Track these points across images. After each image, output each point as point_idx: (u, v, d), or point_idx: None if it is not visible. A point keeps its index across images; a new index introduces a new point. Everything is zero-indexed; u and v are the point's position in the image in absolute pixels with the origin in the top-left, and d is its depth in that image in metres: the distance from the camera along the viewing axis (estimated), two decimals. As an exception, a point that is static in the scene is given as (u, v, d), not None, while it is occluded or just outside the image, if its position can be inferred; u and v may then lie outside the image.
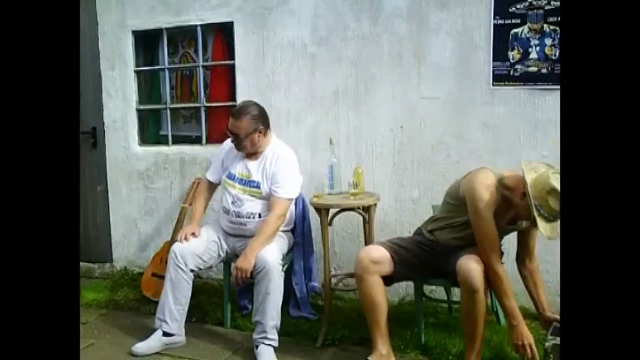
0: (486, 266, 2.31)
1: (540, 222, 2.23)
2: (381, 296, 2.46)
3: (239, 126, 2.82)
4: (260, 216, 2.87)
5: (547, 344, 2.26)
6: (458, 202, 2.47)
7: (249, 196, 2.88)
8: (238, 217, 2.89)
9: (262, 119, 2.88)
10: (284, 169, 2.85)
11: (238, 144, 2.87)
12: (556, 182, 2.18)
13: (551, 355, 2.26)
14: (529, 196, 2.23)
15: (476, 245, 2.39)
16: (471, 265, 2.29)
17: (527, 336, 2.32)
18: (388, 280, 2.51)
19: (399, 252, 2.52)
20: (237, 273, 2.71)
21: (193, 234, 2.90)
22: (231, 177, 2.94)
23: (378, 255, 2.47)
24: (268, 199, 2.85)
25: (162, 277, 2.94)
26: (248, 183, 2.89)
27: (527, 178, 2.26)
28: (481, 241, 2.35)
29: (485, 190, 2.33)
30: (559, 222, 2.20)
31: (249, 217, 2.88)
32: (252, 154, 2.92)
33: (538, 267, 2.61)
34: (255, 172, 2.88)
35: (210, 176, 3.10)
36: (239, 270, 2.71)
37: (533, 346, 2.31)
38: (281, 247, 2.87)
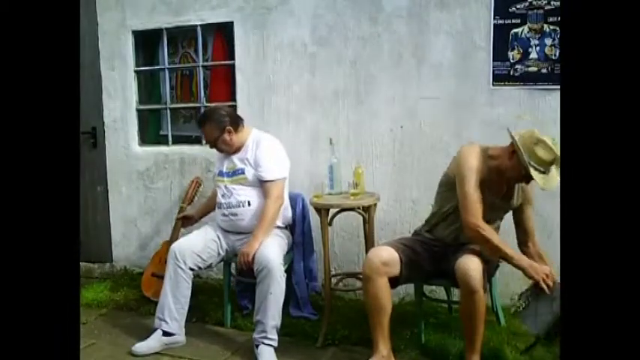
0: (472, 229, 2.34)
1: (533, 172, 2.27)
2: (387, 299, 2.45)
3: (205, 132, 2.97)
4: (249, 204, 2.89)
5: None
6: (448, 186, 2.52)
7: (236, 185, 2.92)
8: (229, 207, 2.92)
9: (229, 118, 2.94)
10: (266, 152, 2.91)
11: (215, 148, 2.98)
12: (540, 135, 2.30)
13: (527, 300, 2.29)
14: (518, 148, 2.29)
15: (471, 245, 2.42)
16: (469, 265, 2.29)
17: (542, 268, 2.31)
18: (393, 281, 2.50)
19: (406, 253, 2.50)
20: (240, 258, 2.77)
21: (186, 217, 3.29)
22: (220, 174, 3.00)
23: (388, 256, 2.45)
24: (256, 185, 2.90)
25: (162, 277, 2.94)
26: (234, 173, 2.95)
27: (514, 135, 2.33)
28: (465, 205, 2.36)
29: (471, 156, 2.40)
30: (552, 173, 2.30)
31: (239, 206, 2.90)
32: (236, 150, 2.97)
33: (541, 249, 2.58)
34: (239, 162, 2.95)
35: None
36: (242, 255, 2.76)
37: (552, 273, 2.29)
38: (282, 247, 2.88)
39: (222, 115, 2.93)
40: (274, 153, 2.95)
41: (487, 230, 2.35)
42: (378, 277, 2.42)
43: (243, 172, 2.92)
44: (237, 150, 2.97)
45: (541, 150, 2.28)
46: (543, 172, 2.29)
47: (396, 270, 2.46)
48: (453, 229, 2.53)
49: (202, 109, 3.73)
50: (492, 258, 2.44)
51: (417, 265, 2.52)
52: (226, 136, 2.91)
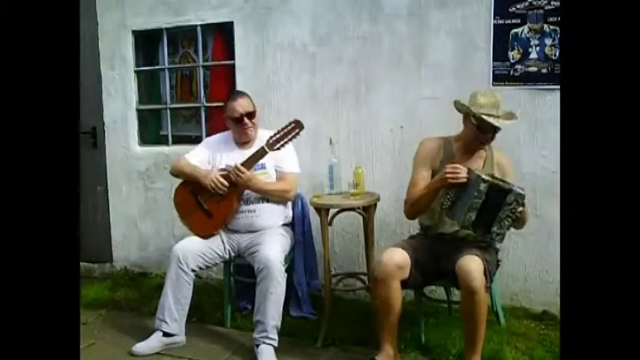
0: (405, 209, 2.64)
1: (482, 115, 2.44)
2: (399, 301, 2.44)
3: (250, 104, 2.94)
4: (268, 200, 2.91)
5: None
6: None
7: None
8: (247, 203, 2.90)
9: None
10: (288, 147, 2.92)
11: (249, 122, 2.92)
12: (481, 90, 2.54)
13: (451, 198, 2.42)
14: (462, 105, 2.50)
15: (472, 244, 2.45)
16: (470, 266, 2.29)
17: (445, 172, 2.41)
18: (402, 283, 2.47)
19: (415, 254, 2.49)
20: (235, 170, 2.78)
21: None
22: None
23: (402, 259, 2.42)
24: (275, 179, 2.92)
25: (205, 212, 2.90)
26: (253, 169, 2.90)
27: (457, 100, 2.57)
28: (408, 188, 2.63)
29: (418, 149, 2.67)
30: (496, 119, 2.45)
31: (257, 202, 2.90)
32: (246, 143, 2.97)
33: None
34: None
35: (192, 158, 3.01)
36: (236, 168, 2.78)
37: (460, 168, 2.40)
38: (284, 247, 2.88)
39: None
40: (292, 149, 2.98)
41: (410, 198, 2.60)
42: (392, 281, 2.40)
43: (264, 167, 2.90)
44: (248, 143, 2.96)
45: (481, 97, 2.47)
46: (487, 115, 2.45)
47: (407, 273, 2.45)
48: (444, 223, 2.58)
49: (202, 109, 3.73)
50: (490, 259, 2.45)
51: (422, 266, 2.51)
52: (256, 116, 2.95)
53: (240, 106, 2.90)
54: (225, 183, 2.81)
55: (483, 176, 2.34)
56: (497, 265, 2.64)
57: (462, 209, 2.37)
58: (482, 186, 2.32)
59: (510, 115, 2.52)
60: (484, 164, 2.60)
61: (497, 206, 2.33)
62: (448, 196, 2.42)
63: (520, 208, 2.33)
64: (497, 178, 2.39)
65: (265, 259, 2.68)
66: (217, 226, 2.91)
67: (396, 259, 2.42)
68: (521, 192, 2.32)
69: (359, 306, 3.14)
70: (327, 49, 3.34)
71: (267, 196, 2.89)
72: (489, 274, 2.35)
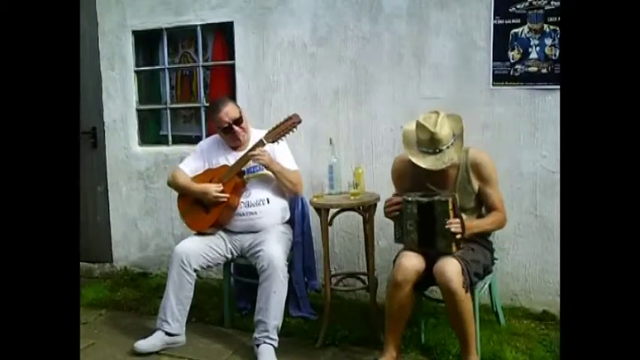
0: None
1: (413, 156, 2.44)
2: (411, 307, 2.45)
3: (235, 110, 2.92)
4: (269, 201, 2.91)
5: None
6: None
7: (253, 182, 2.91)
8: (248, 206, 2.90)
9: None
10: (283, 146, 2.93)
11: (239, 129, 2.91)
12: (421, 117, 2.44)
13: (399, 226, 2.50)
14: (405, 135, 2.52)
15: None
16: (446, 267, 2.30)
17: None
18: None
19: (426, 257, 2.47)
20: (257, 150, 2.80)
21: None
22: None
23: (420, 265, 2.41)
24: (272, 181, 2.92)
25: (204, 208, 2.91)
26: (249, 170, 2.91)
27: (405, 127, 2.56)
28: None
29: (392, 168, 2.71)
30: (439, 155, 2.41)
31: (259, 204, 2.90)
32: (239, 146, 2.96)
33: (502, 216, 2.54)
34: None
35: (187, 167, 3.04)
36: (259, 152, 2.80)
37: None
38: (286, 246, 2.89)
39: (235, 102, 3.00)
40: (287, 148, 2.99)
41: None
42: (408, 286, 2.40)
43: (262, 169, 2.89)
44: (241, 146, 2.95)
45: (419, 133, 2.43)
46: (434, 152, 2.41)
47: (420, 277, 2.44)
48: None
49: (202, 109, 3.73)
50: (474, 257, 2.44)
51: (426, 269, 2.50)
52: (244, 120, 2.93)
53: (226, 115, 2.88)
54: (221, 187, 2.85)
55: (409, 199, 2.42)
56: (493, 263, 2.62)
57: (405, 234, 2.47)
58: (409, 207, 2.42)
59: (455, 131, 2.46)
60: (458, 171, 2.54)
61: (432, 221, 2.38)
62: (396, 227, 2.52)
63: (453, 218, 2.32)
64: (431, 194, 2.42)
65: (269, 259, 2.68)
66: (211, 221, 2.90)
67: (416, 265, 2.41)
68: (441, 199, 2.36)
69: (359, 306, 3.14)
70: (327, 49, 3.34)
71: (283, 180, 2.88)
72: (468, 273, 2.33)
